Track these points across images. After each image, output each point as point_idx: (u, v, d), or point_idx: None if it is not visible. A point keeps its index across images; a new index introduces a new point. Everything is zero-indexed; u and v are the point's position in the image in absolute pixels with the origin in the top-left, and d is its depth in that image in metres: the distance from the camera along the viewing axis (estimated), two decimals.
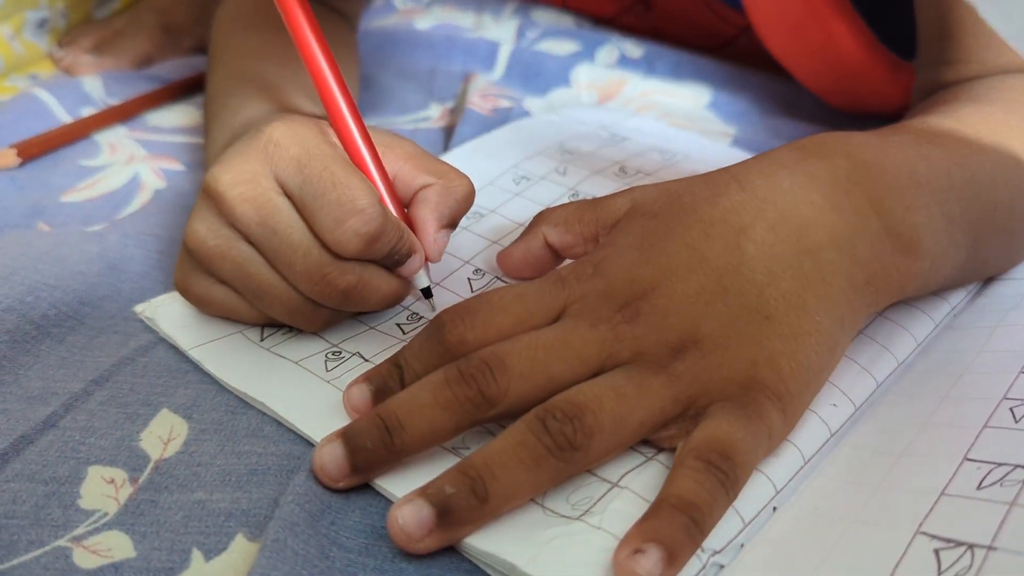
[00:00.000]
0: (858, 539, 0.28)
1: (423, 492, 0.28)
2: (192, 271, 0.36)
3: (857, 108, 0.63)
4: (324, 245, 0.34)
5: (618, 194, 0.37)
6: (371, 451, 0.30)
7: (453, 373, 0.30)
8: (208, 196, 0.34)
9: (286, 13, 0.36)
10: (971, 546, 0.26)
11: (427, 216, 0.37)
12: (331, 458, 0.30)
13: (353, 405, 0.32)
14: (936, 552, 0.26)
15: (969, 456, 0.30)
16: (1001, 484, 0.28)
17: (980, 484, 0.29)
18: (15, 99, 0.58)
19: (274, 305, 0.35)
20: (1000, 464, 0.29)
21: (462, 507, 0.28)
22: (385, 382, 0.32)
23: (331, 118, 0.36)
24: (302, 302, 0.35)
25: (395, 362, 0.33)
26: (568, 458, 0.28)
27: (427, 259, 0.37)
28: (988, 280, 0.42)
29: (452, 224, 0.38)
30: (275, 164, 0.34)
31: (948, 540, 0.27)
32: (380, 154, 0.37)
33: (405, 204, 0.38)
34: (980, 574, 0.25)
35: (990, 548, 0.26)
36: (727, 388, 0.30)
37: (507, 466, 0.28)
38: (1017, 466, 0.29)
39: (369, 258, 0.34)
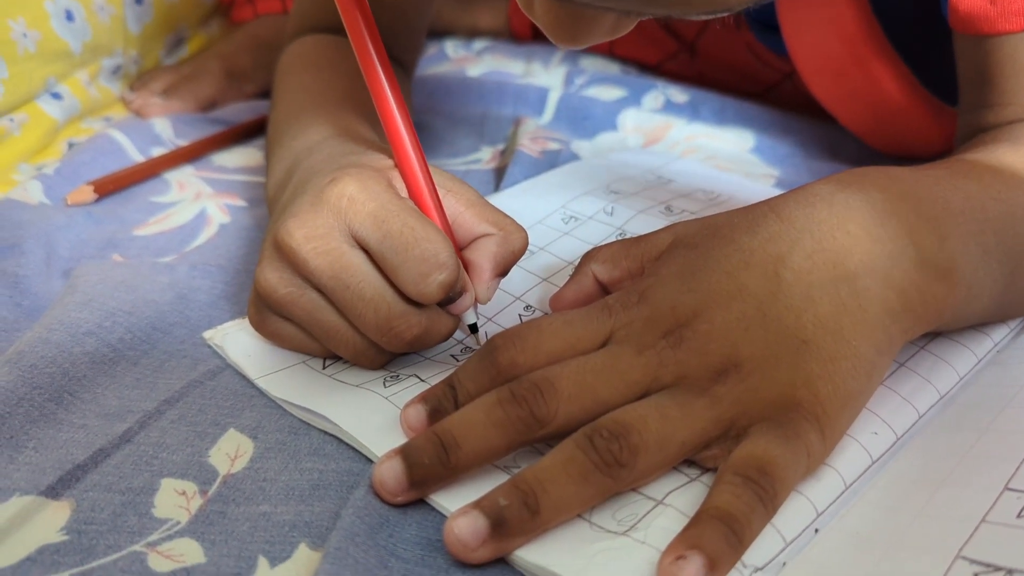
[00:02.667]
0: (898, 562, 0.29)
1: (478, 504, 0.30)
2: (264, 311, 0.38)
3: (900, 152, 0.64)
4: (399, 292, 0.36)
5: (661, 230, 0.38)
6: (428, 467, 0.31)
7: (505, 394, 0.32)
8: (280, 248, 0.36)
9: (364, 64, 0.38)
10: (1010, 571, 0.27)
11: (485, 264, 0.38)
12: (390, 474, 0.32)
13: (410, 424, 0.34)
14: None
15: (1009, 486, 0.31)
16: None
17: (1020, 513, 0.30)
18: (92, 139, 0.62)
19: (340, 347, 0.37)
20: None
21: (515, 519, 0.29)
22: (440, 402, 0.34)
23: (400, 168, 0.38)
24: (367, 345, 0.37)
25: (449, 383, 0.34)
26: (614, 474, 0.30)
27: (477, 300, 0.39)
28: None
29: (505, 273, 0.40)
30: (350, 219, 0.36)
31: (987, 565, 0.28)
32: (441, 197, 0.39)
33: (462, 247, 0.39)
34: None
35: None
36: (766, 409, 0.31)
37: (557, 481, 0.29)
38: None
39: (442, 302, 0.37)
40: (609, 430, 0.30)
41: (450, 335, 0.38)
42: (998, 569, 0.27)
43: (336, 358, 0.40)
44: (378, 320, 0.36)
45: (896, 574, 0.28)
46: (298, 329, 0.38)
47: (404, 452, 0.32)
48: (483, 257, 0.38)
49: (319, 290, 0.36)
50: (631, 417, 0.31)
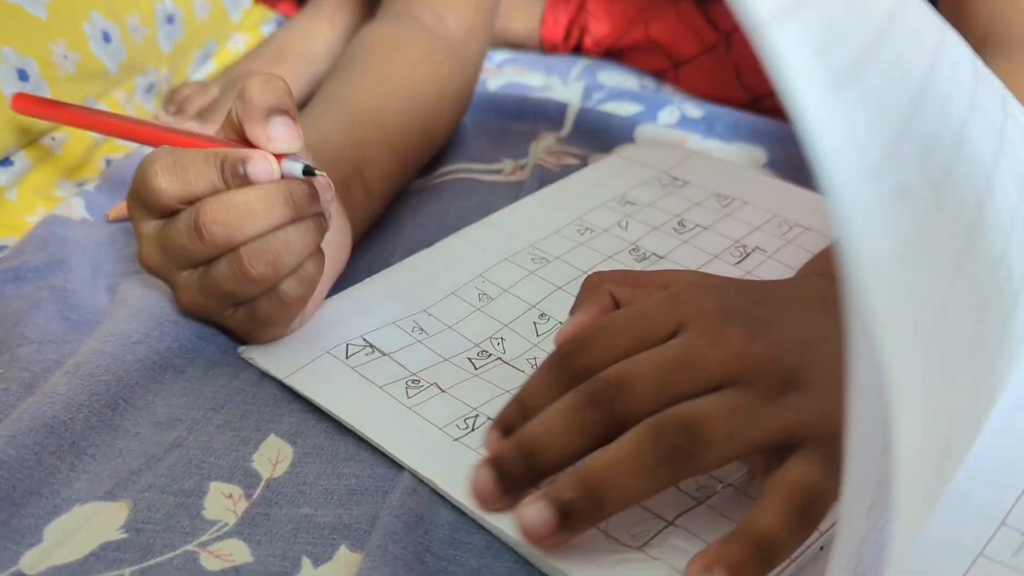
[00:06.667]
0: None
1: (546, 496, 0.31)
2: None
3: None
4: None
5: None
6: (516, 476, 0.33)
7: (584, 399, 0.32)
8: None
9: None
10: None
11: (252, 119, 0.38)
12: (482, 484, 0.33)
13: (489, 448, 0.35)
14: None
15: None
16: None
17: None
18: (129, 157, 0.64)
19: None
20: None
21: (580, 511, 0.30)
22: (512, 424, 0.34)
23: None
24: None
25: (519, 401, 0.35)
26: (679, 467, 0.30)
27: (280, 156, 0.38)
28: None
29: (279, 108, 0.38)
30: None
31: None
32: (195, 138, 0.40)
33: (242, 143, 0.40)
34: None
35: None
36: (825, 432, 0.31)
37: (625, 474, 0.30)
38: None
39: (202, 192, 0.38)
40: (680, 423, 0.30)
41: (320, 235, 0.40)
42: None
43: (358, 345, 0.42)
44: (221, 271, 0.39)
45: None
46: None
47: (494, 462, 0.33)
48: (248, 119, 0.38)
49: None
50: (703, 411, 0.31)
